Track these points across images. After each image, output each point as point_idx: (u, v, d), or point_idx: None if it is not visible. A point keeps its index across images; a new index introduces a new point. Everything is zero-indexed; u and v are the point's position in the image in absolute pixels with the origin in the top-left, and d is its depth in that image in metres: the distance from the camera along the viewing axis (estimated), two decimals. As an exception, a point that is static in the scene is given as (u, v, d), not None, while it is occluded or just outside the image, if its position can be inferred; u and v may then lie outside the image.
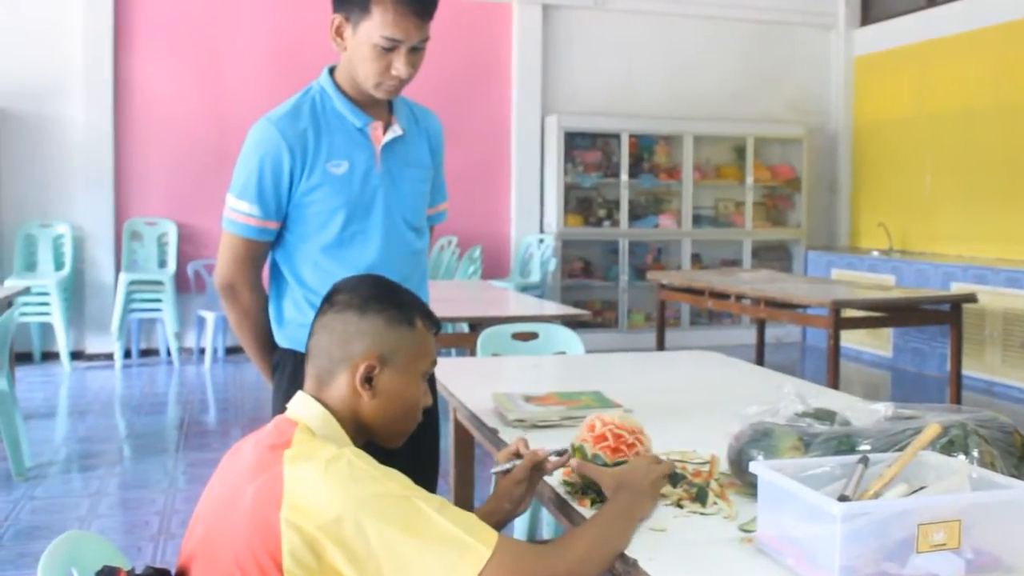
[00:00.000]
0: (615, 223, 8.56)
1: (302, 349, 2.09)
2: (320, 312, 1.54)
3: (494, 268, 8.39)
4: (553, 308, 5.12)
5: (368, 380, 1.48)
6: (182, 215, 7.67)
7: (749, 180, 8.85)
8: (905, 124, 8.46)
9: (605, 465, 1.57)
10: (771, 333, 8.52)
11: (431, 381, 1.67)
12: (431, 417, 1.94)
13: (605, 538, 1.40)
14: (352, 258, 2.08)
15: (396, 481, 1.33)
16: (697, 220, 8.83)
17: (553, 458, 1.63)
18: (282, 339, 2.14)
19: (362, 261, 2.08)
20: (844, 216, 9.28)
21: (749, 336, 8.11)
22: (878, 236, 8.69)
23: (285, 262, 2.13)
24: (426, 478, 1.95)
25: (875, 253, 8.32)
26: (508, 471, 1.64)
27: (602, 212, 8.59)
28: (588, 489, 1.62)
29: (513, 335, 3.52)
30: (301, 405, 1.49)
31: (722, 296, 6.05)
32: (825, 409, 1.69)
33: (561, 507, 1.63)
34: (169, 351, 7.41)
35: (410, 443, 1.61)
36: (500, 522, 1.63)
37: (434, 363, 1.58)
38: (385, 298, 1.53)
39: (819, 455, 1.53)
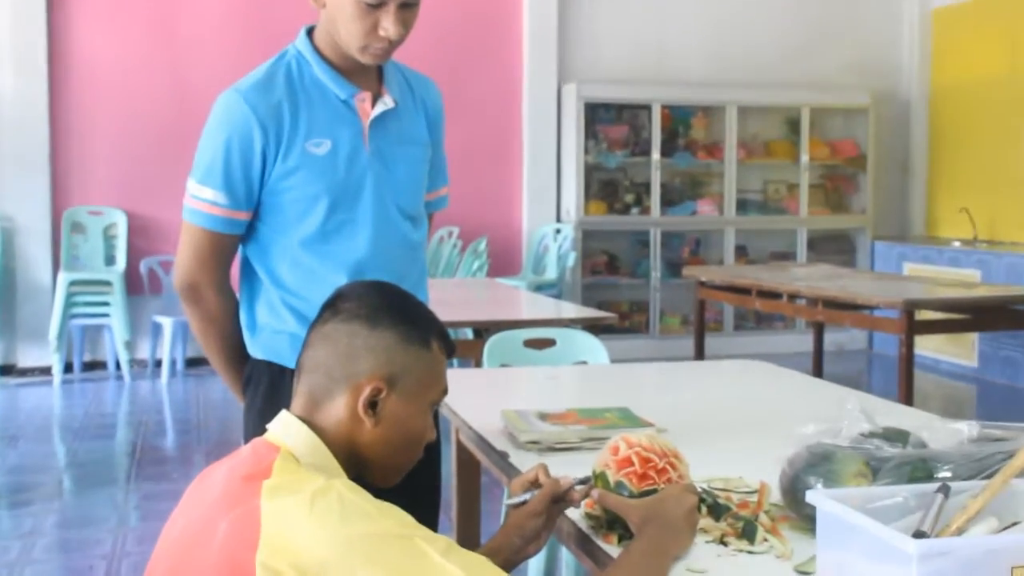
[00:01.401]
0: (645, 210, 8.57)
1: (279, 360, 2.11)
2: (320, 320, 1.55)
3: (503, 264, 8.41)
4: (572, 310, 5.12)
5: (372, 404, 1.49)
6: (133, 203, 7.70)
7: (804, 158, 8.85)
8: (993, 88, 8.43)
9: (631, 495, 1.57)
10: (831, 339, 8.52)
11: (435, 413, 1.69)
12: (434, 444, 1.96)
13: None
14: (337, 253, 2.09)
15: (394, 519, 1.34)
16: (742, 206, 8.84)
17: (579, 488, 1.64)
18: (255, 349, 2.15)
19: (349, 257, 2.09)
20: (918, 200, 9.27)
21: (804, 343, 8.10)
22: (960, 224, 8.68)
23: (258, 259, 2.14)
24: (425, 512, 1.96)
25: (956, 244, 8.31)
26: (523, 503, 1.65)
27: (630, 197, 8.61)
28: (614, 523, 1.62)
29: (525, 342, 3.53)
30: (285, 427, 1.50)
31: (772, 295, 6.05)
32: (896, 429, 1.69)
33: (583, 544, 1.64)
34: (118, 364, 7.45)
35: (412, 471, 1.62)
36: (509, 561, 1.64)
37: (445, 392, 1.59)
38: (399, 311, 1.54)
39: (890, 483, 1.53)
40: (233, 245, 2.13)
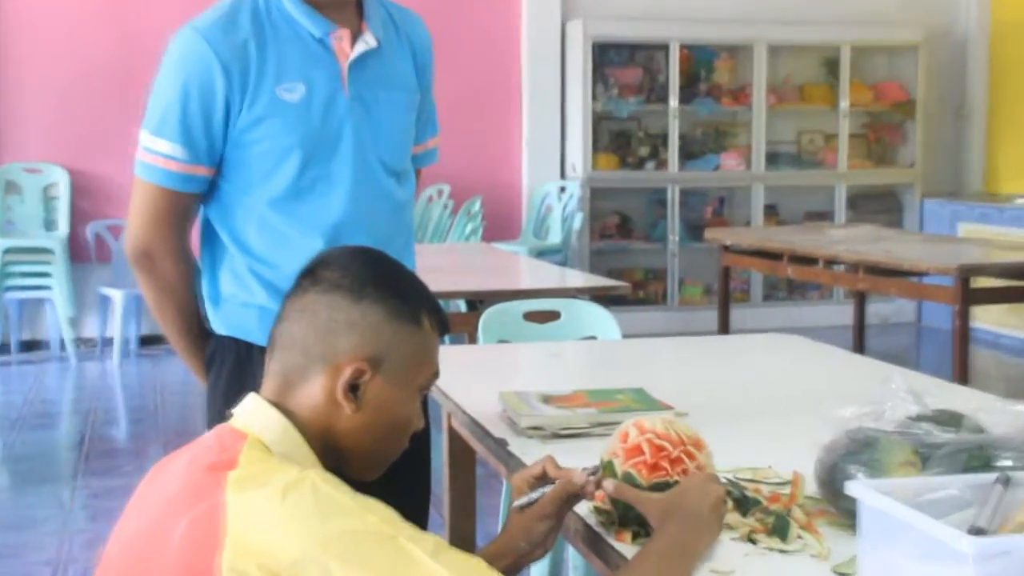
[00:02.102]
0: (661, 165, 8.56)
1: (245, 336, 2.12)
2: (297, 290, 1.55)
3: (500, 227, 8.40)
4: (579, 279, 5.13)
5: (353, 388, 1.50)
6: (76, 159, 7.68)
7: (844, 104, 8.84)
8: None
9: (639, 487, 1.58)
10: (874, 310, 8.52)
11: (424, 398, 1.69)
12: (421, 432, 1.96)
13: (654, 585, 1.41)
14: (311, 214, 2.10)
15: (376, 515, 1.35)
16: (773, 159, 8.83)
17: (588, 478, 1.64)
18: (218, 323, 2.16)
19: (325, 218, 2.10)
20: (976, 151, 9.25)
21: (844, 314, 8.10)
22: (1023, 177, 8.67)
23: (221, 221, 2.14)
24: (413, 508, 1.97)
25: (1020, 201, 8.30)
26: (532, 504, 1.65)
27: (644, 150, 8.59)
28: (628, 519, 1.62)
29: (526, 315, 3.53)
30: (253, 412, 1.50)
31: (807, 261, 6.05)
32: (949, 411, 1.70)
33: (592, 544, 1.64)
34: (62, 343, 7.46)
35: (396, 461, 1.63)
36: (512, 566, 1.64)
37: (436, 375, 1.60)
38: (388, 283, 1.55)
39: (941, 473, 1.54)
40: (192, 205, 2.13)
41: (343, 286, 1.52)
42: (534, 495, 1.65)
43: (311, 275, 1.55)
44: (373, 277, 1.54)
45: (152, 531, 1.40)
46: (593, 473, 1.64)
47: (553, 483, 1.64)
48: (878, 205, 9.13)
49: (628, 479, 1.59)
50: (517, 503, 1.66)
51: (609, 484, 1.58)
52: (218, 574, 1.30)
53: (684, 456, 1.59)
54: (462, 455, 2.74)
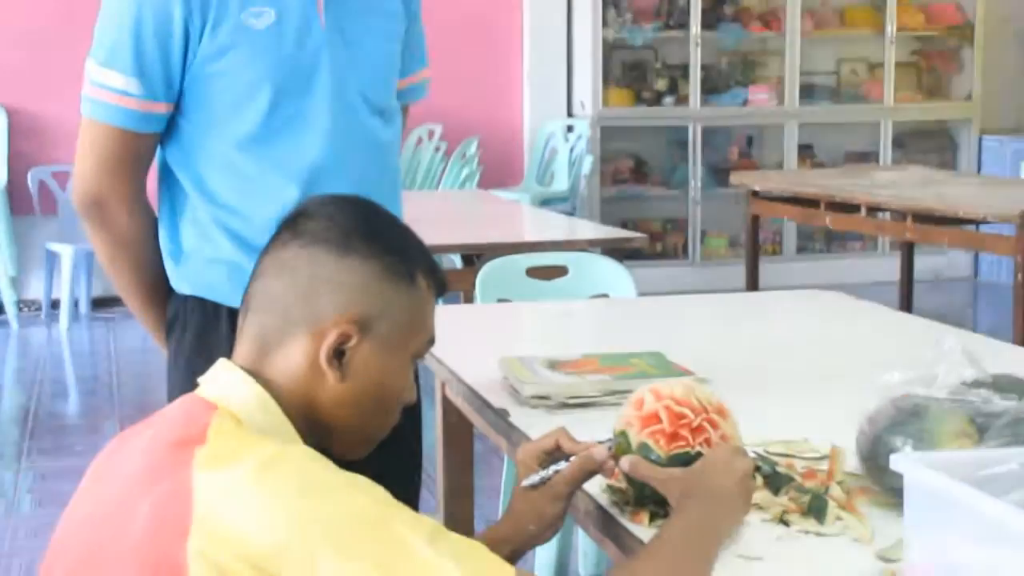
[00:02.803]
0: (682, 100, 8.54)
1: (211, 296, 2.12)
2: (276, 243, 1.55)
3: (499, 171, 8.39)
4: (589, 230, 5.12)
5: (339, 354, 1.50)
6: (14, 97, 7.65)
7: (890, 29, 8.80)
8: None
9: (656, 461, 1.58)
10: (925, 264, 8.50)
11: (415, 367, 1.70)
12: (411, 409, 1.97)
13: (674, 572, 1.42)
14: (285, 158, 2.10)
15: (367, 496, 1.35)
16: (809, 93, 8.80)
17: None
18: (181, 282, 2.16)
19: (300, 162, 2.10)
20: (1041, 81, 9.21)
21: (889, 268, 8.08)
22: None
23: (182, 166, 2.14)
24: (403, 488, 1.98)
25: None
26: (546, 481, 1.65)
27: (662, 84, 8.56)
28: (644, 498, 1.63)
29: (529, 271, 3.55)
30: (225, 380, 1.50)
31: (848, 208, 6.03)
32: (1010, 376, 1.70)
33: (605, 526, 1.65)
34: (2, 306, 7.46)
35: (381, 444, 1.64)
36: (519, 550, 1.65)
37: (431, 342, 1.61)
38: (379, 236, 1.55)
39: (1001, 445, 1.54)
40: (149, 147, 2.13)
41: (328, 239, 1.52)
42: (546, 473, 1.64)
43: (292, 227, 1.55)
44: (362, 229, 1.54)
45: (108, 516, 1.41)
46: (611, 448, 1.65)
47: (566, 459, 1.64)
48: (929, 144, 9.11)
49: (644, 450, 1.59)
50: (526, 482, 1.65)
51: (625, 461, 1.58)
52: (185, 564, 1.30)
53: (707, 425, 1.59)
54: (458, 429, 2.75)
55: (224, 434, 1.41)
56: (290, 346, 1.50)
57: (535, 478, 1.65)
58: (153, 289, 2.19)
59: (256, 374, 1.50)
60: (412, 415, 2.13)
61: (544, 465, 1.66)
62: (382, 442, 1.64)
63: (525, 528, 1.65)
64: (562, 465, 1.64)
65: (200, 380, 1.53)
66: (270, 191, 2.07)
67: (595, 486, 1.71)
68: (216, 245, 2.11)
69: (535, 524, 1.65)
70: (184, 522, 1.32)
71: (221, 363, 1.53)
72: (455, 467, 2.79)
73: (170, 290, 2.18)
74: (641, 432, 1.60)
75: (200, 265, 2.13)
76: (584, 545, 3.32)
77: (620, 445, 1.62)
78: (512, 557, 1.62)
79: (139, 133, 2.10)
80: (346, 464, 1.45)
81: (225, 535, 1.30)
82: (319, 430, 1.53)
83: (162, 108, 2.09)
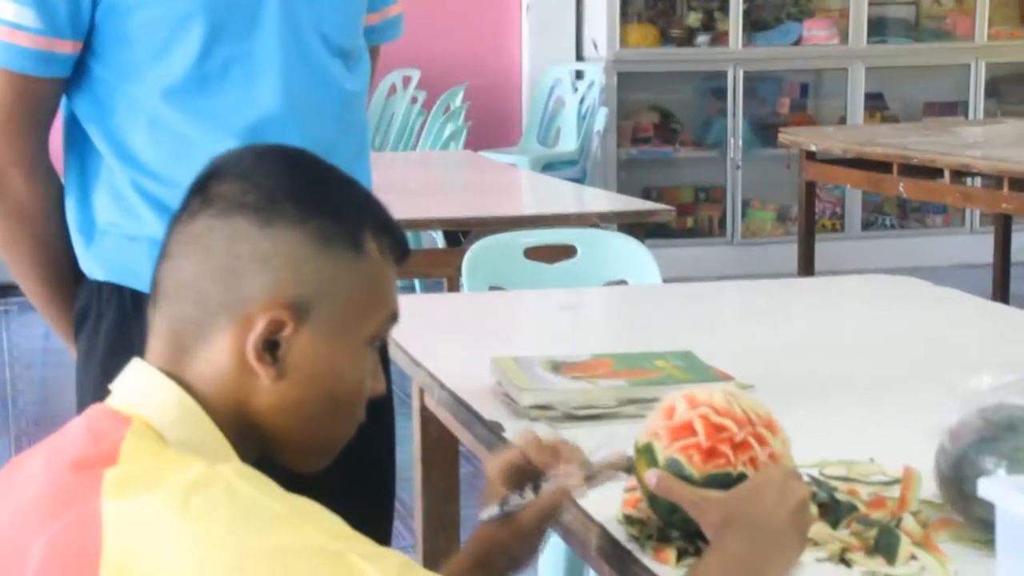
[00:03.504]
0: (719, 38, 8.55)
1: (130, 283, 2.12)
2: (183, 213, 1.54)
3: (492, 129, 8.40)
4: (603, 201, 5.13)
5: (272, 347, 1.49)
6: None
7: (981, -52, 8.80)
8: None
9: (690, 481, 1.58)
10: (1023, 242, 8.52)
11: (382, 351, 1.69)
12: (380, 408, 1.98)
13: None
14: (224, 110, 2.10)
15: (317, 524, 1.35)
16: (879, 28, 8.81)
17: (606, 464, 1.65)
18: (93, 265, 2.16)
19: (244, 115, 2.11)
20: None
21: (980, 248, 8.11)
22: None
23: (95, 120, 2.14)
24: (370, 516, 1.98)
25: None
26: (510, 515, 1.65)
27: (694, 18, 8.58)
28: (671, 528, 1.63)
29: (528, 252, 3.55)
30: (139, 386, 1.50)
31: (927, 173, 6.03)
32: None
33: (621, 566, 1.65)
34: None
35: (344, 454, 1.64)
36: None
37: (394, 318, 1.59)
38: (311, 194, 1.53)
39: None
40: (51, 97, 2.13)
41: (246, 204, 1.50)
42: (508, 505, 1.63)
43: (202, 191, 1.53)
44: (289, 188, 1.51)
45: None
46: (626, 467, 1.64)
47: (536, 481, 1.64)
48: (1030, 92, 9.12)
49: (673, 468, 1.58)
50: (485, 516, 1.65)
51: (651, 475, 1.58)
52: (94, 613, 1.30)
53: (752, 440, 1.59)
54: (440, 446, 2.76)
55: (140, 452, 1.40)
56: (211, 341, 1.49)
57: (492, 511, 1.64)
58: (58, 274, 2.19)
59: (175, 376, 1.49)
60: (381, 426, 2.13)
61: (515, 486, 1.65)
62: (344, 461, 1.63)
63: (497, 560, 1.68)
64: (532, 494, 1.63)
65: (112, 386, 1.52)
66: (206, 152, 2.02)
67: (609, 515, 1.72)
68: (137, 219, 2.12)
69: (506, 557, 1.68)
70: (91, 562, 1.31)
71: (135, 364, 1.52)
72: (437, 494, 2.80)
73: (80, 275, 2.18)
74: (671, 446, 1.60)
75: (117, 244, 2.13)
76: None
77: (643, 458, 1.61)
78: None
79: (37, 78, 2.09)
80: (297, 486, 1.44)
81: (142, 575, 1.30)
82: (259, 441, 1.52)
83: (67, 47, 2.09)
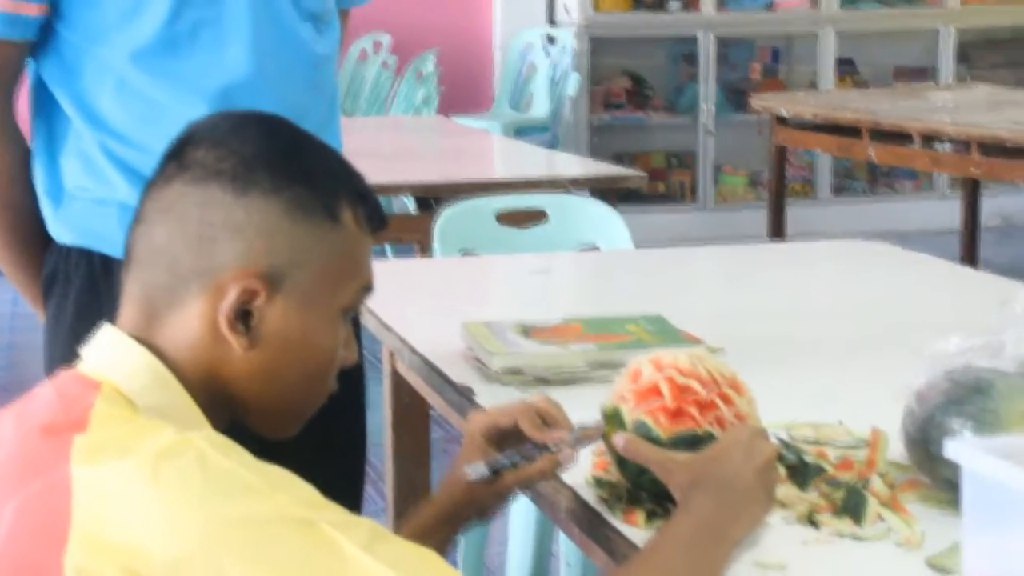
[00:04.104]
0: (690, 4, 8.53)
1: (100, 247, 2.12)
2: (159, 179, 1.53)
3: (463, 93, 8.37)
4: (575, 166, 5.13)
5: (244, 316, 1.49)
6: None
7: (953, -88, 8.79)
8: None
9: (656, 442, 1.58)
10: (993, 207, 8.53)
11: (355, 321, 1.69)
12: (351, 373, 1.98)
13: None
14: (193, 73, 2.10)
15: (287, 493, 1.35)
16: (849, -9, 8.79)
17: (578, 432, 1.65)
18: (61, 229, 2.16)
19: (214, 79, 2.10)
20: None
21: (948, 214, 8.12)
22: None
23: (62, 84, 2.13)
24: (340, 483, 1.98)
25: None
26: (496, 476, 1.66)
27: (666, -18, 8.56)
28: (640, 491, 1.64)
29: (499, 216, 3.55)
30: (109, 351, 1.49)
31: (897, 138, 6.03)
32: (1094, 343, 1.71)
33: (591, 528, 1.66)
34: None
35: (315, 419, 1.64)
36: (457, 533, 1.72)
37: (368, 290, 1.59)
38: (287, 162, 1.52)
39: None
40: (17, 59, 2.13)
41: (221, 172, 1.49)
42: (495, 464, 1.65)
43: (177, 157, 1.52)
44: (265, 156, 1.51)
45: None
46: (596, 434, 1.65)
47: (526, 447, 1.65)
48: (1001, 56, 9.12)
49: (641, 430, 1.59)
50: (470, 474, 1.66)
51: (619, 438, 1.59)
52: (62, 574, 1.29)
53: (718, 401, 1.60)
54: (410, 411, 2.76)
55: (110, 419, 1.39)
56: (183, 308, 1.48)
57: (481, 470, 1.65)
58: (26, 237, 2.19)
59: (147, 343, 1.49)
60: (353, 391, 2.13)
61: (496, 445, 1.68)
62: (315, 427, 1.63)
63: (467, 516, 1.71)
64: (519, 459, 1.64)
65: (82, 352, 1.51)
66: (175, 116, 2.03)
67: (579, 478, 1.72)
68: (106, 183, 2.11)
69: (477, 513, 1.71)
70: (60, 529, 1.30)
71: (105, 329, 1.51)
72: (407, 458, 2.80)
73: (48, 240, 2.17)
74: (637, 408, 1.61)
75: (85, 208, 2.13)
76: (566, 552, 3.32)
77: (611, 423, 1.62)
78: (444, 545, 1.68)
79: (3, 41, 2.09)
80: (268, 453, 1.44)
81: (111, 545, 1.29)
82: (230, 408, 1.52)
83: (34, 10, 2.08)
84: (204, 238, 1.48)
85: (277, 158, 1.52)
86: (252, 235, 1.48)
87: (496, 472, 1.65)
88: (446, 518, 1.71)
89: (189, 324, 1.48)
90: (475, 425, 1.72)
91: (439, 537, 1.69)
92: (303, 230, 1.50)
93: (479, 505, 1.70)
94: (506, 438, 1.68)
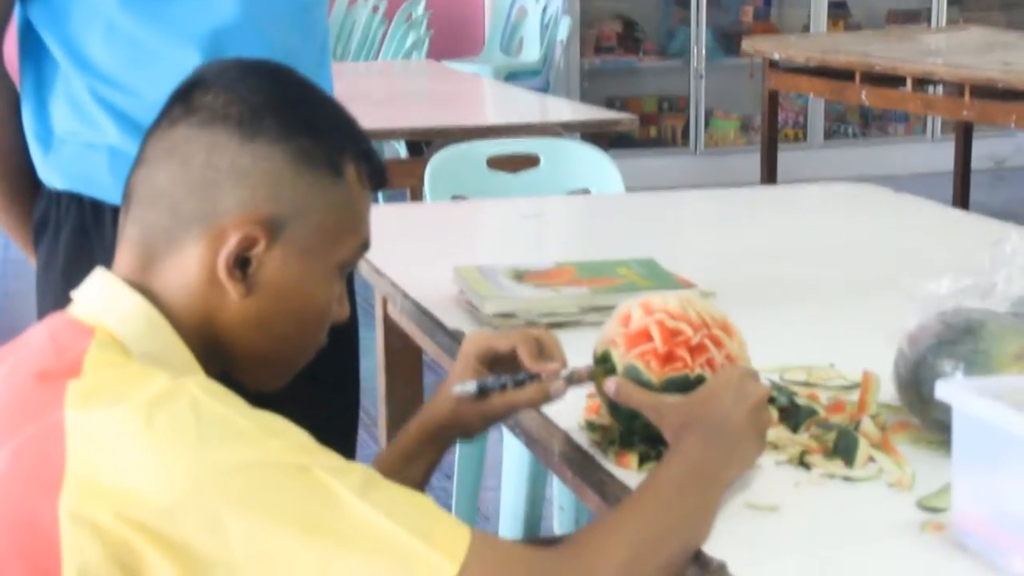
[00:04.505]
0: (682, -56, 8.49)
1: (90, 191, 2.12)
2: (164, 121, 1.53)
3: (453, 38, 8.35)
4: (566, 110, 5.12)
5: (243, 263, 1.49)
6: None
7: None
8: None
9: (648, 386, 1.59)
10: (984, 150, 8.52)
11: (349, 278, 1.69)
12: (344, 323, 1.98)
13: (666, 525, 1.42)
14: (182, 16, 2.09)
15: (281, 438, 1.35)
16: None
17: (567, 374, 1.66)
18: (51, 173, 2.15)
19: (202, 21, 2.09)
20: None
21: (941, 156, 8.11)
22: None
23: (50, 26, 2.12)
24: (334, 429, 1.98)
25: None
26: (482, 394, 1.67)
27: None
28: (632, 434, 1.65)
29: (491, 161, 3.55)
30: (103, 296, 1.49)
31: (890, 81, 6.02)
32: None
33: (583, 471, 1.66)
34: None
35: (310, 365, 1.64)
36: (434, 461, 1.73)
37: (364, 247, 1.59)
38: (295, 112, 1.52)
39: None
40: (5, 4, 2.11)
41: (229, 117, 1.49)
42: (486, 384, 1.66)
43: (184, 100, 1.52)
44: (274, 104, 1.51)
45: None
46: (590, 375, 1.65)
47: (519, 374, 1.66)
48: (994, -1, 9.10)
49: (632, 374, 1.60)
50: (459, 389, 1.67)
51: (611, 383, 1.60)
52: (55, 527, 1.29)
53: (709, 343, 1.60)
54: (403, 356, 2.76)
55: (104, 364, 1.39)
56: (182, 252, 1.48)
57: (469, 388, 1.66)
58: (16, 182, 2.18)
59: (142, 287, 1.48)
60: (345, 337, 2.14)
61: (488, 368, 1.69)
62: (308, 372, 1.63)
63: (452, 436, 1.73)
64: (509, 384, 1.65)
65: (74, 296, 1.51)
66: (164, 60, 2.05)
67: (571, 421, 1.73)
68: (96, 127, 2.11)
69: (461, 432, 1.73)
70: (54, 474, 1.30)
71: (98, 274, 1.51)
72: (400, 403, 2.80)
73: (38, 184, 2.17)
74: (628, 353, 1.61)
75: (75, 152, 2.12)
76: (560, 496, 3.34)
77: (602, 369, 1.63)
78: (430, 467, 1.71)
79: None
80: (261, 399, 1.44)
81: (105, 490, 1.29)
82: (223, 356, 1.52)
83: (21, -47, 2.07)
84: (208, 182, 1.48)
85: (285, 107, 1.52)
86: (256, 182, 1.48)
87: (483, 392, 1.66)
88: (430, 436, 1.72)
89: (187, 269, 1.48)
90: (471, 345, 1.73)
91: (425, 458, 1.71)
92: (307, 181, 1.50)
93: (463, 425, 1.71)
94: (499, 363, 1.69)
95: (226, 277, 1.47)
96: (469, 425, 1.71)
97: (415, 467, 1.72)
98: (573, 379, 1.65)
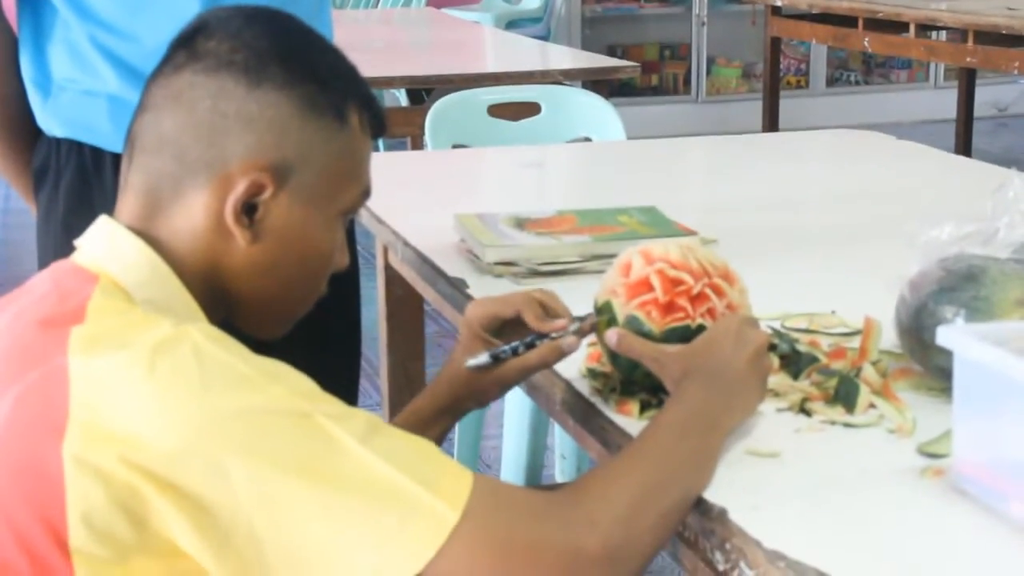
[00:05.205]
0: None
1: (90, 139, 2.12)
2: (167, 67, 1.53)
3: (453, -16, 8.32)
4: (567, 58, 5.10)
5: (250, 209, 1.49)
6: None
7: None
8: None
9: (649, 336, 1.59)
10: (986, 96, 8.50)
11: (349, 228, 1.69)
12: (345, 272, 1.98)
13: (667, 471, 1.43)
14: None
15: (284, 385, 1.35)
16: None
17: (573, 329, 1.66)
18: (50, 121, 2.16)
19: (200, -30, 2.07)
20: None
21: (943, 103, 8.11)
22: None
23: (48, -27, 2.11)
24: (336, 377, 1.99)
25: None
26: (496, 363, 1.68)
27: None
28: (633, 383, 1.65)
29: (491, 109, 3.55)
30: (107, 243, 1.49)
31: (892, 27, 6.00)
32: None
33: (585, 419, 1.67)
34: None
35: (311, 314, 1.65)
36: (448, 428, 1.74)
37: (366, 195, 1.60)
38: (300, 60, 1.52)
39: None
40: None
41: (234, 63, 1.49)
42: (497, 352, 1.66)
43: (188, 47, 1.52)
44: (278, 51, 1.51)
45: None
46: (592, 325, 1.65)
47: (528, 337, 1.67)
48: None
49: (632, 325, 1.60)
50: (472, 363, 1.68)
51: (612, 334, 1.60)
52: (60, 471, 1.29)
53: (710, 292, 1.60)
54: (404, 304, 2.77)
55: (107, 311, 1.40)
56: (187, 198, 1.48)
57: (482, 359, 1.67)
58: (15, 129, 2.19)
59: (146, 234, 1.49)
60: (346, 286, 2.14)
61: (496, 334, 1.69)
62: (311, 321, 1.64)
63: (464, 405, 1.73)
64: (521, 348, 1.66)
65: (77, 243, 1.51)
66: (164, 6, 2.05)
67: (573, 370, 1.73)
68: (95, 74, 2.10)
69: (475, 401, 1.73)
70: (58, 419, 1.31)
71: (102, 221, 1.51)
72: (401, 351, 2.81)
73: (36, 131, 2.17)
74: (629, 303, 1.61)
75: (75, 99, 2.12)
76: (561, 444, 3.35)
77: (603, 319, 1.63)
78: (443, 435, 1.71)
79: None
80: (264, 348, 1.45)
81: (109, 435, 1.30)
82: (226, 303, 1.53)
83: (19, -102, 2.07)
84: (214, 128, 1.48)
85: (290, 54, 1.52)
86: (263, 128, 1.48)
87: (497, 359, 1.67)
88: (445, 408, 1.73)
89: (193, 215, 1.49)
90: (473, 316, 1.73)
91: (439, 427, 1.72)
92: (312, 128, 1.51)
93: (479, 394, 1.72)
94: (505, 328, 1.70)
95: (233, 223, 1.48)
96: (485, 394, 1.73)
97: (428, 436, 1.72)
98: (582, 330, 1.66)
